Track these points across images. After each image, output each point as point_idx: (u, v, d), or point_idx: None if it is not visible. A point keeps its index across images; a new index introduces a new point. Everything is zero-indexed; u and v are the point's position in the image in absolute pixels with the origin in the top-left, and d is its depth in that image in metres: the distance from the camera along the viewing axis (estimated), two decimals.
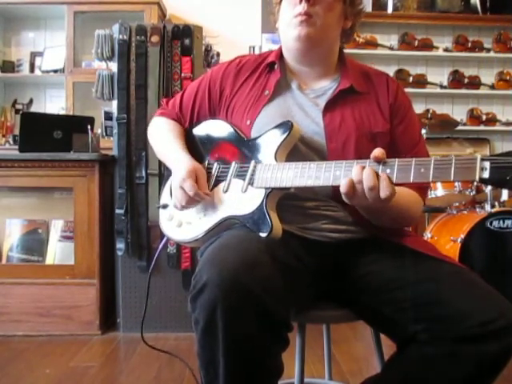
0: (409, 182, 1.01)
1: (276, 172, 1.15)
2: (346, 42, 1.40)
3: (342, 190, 1.05)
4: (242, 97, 1.35)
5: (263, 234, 1.12)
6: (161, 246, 1.44)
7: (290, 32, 1.29)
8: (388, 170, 1.02)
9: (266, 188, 1.16)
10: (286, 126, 1.20)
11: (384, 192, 1.02)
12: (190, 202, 1.24)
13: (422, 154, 1.30)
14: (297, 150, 1.24)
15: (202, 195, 1.22)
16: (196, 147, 1.39)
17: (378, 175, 1.03)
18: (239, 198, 1.21)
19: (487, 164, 0.90)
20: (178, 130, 1.44)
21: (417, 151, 1.29)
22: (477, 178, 0.91)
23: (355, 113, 1.27)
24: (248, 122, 1.30)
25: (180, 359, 1.80)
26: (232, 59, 1.44)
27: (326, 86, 1.33)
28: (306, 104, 1.31)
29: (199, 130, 1.41)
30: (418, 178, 0.98)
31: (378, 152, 1.05)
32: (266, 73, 1.37)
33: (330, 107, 1.28)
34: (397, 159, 1.02)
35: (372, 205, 1.06)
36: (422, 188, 1.28)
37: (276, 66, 1.35)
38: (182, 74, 2.61)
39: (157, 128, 1.48)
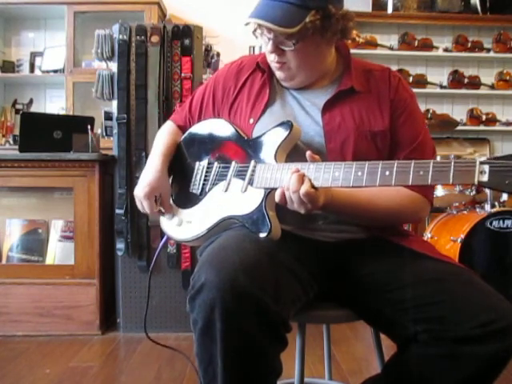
0: (408, 184, 1.00)
1: (275, 172, 1.15)
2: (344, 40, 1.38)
3: (276, 200, 1.11)
4: (244, 96, 1.36)
5: (262, 235, 1.12)
6: (161, 245, 1.46)
7: (274, 70, 1.32)
8: (387, 173, 1.01)
9: (266, 188, 1.16)
10: (286, 125, 1.20)
11: (302, 191, 1.05)
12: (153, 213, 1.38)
13: (424, 148, 1.28)
14: (297, 149, 1.24)
15: (158, 213, 1.38)
16: (196, 146, 1.40)
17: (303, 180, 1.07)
18: (239, 198, 1.21)
19: (486, 167, 0.90)
20: (172, 138, 1.46)
21: (418, 144, 1.26)
22: (476, 181, 0.90)
23: (355, 112, 1.27)
24: (251, 121, 1.30)
25: (183, 355, 1.80)
26: (235, 60, 1.46)
27: (327, 86, 1.33)
28: (306, 104, 1.31)
29: (200, 129, 1.42)
30: (417, 181, 0.98)
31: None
32: (265, 73, 1.37)
33: (329, 107, 1.27)
34: (396, 161, 1.01)
35: (311, 209, 1.08)
36: (423, 185, 1.27)
37: (261, 65, 1.36)
38: (182, 74, 2.61)
39: (159, 133, 1.52)
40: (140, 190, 1.37)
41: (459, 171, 0.93)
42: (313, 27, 1.19)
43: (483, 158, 0.94)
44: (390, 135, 1.27)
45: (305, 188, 1.05)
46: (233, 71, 1.41)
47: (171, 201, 1.40)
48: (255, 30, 1.27)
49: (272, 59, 1.28)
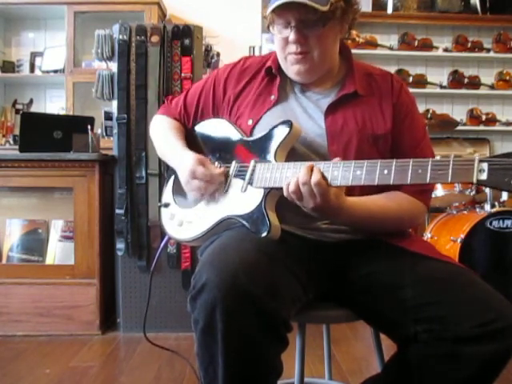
0: (407, 184, 1.00)
1: (275, 172, 1.15)
2: (344, 38, 1.38)
3: (285, 193, 1.09)
4: (246, 98, 1.35)
5: (262, 234, 1.12)
6: (162, 245, 1.45)
7: (288, 67, 1.30)
8: (385, 171, 1.01)
9: (265, 188, 1.16)
10: (286, 125, 1.20)
11: (314, 182, 1.04)
12: (209, 188, 1.24)
13: (426, 153, 1.28)
14: (298, 151, 1.24)
15: (217, 175, 1.23)
16: (197, 146, 1.40)
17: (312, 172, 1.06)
18: (239, 198, 1.21)
19: (485, 166, 0.89)
20: (179, 128, 1.45)
21: (420, 150, 1.28)
22: (474, 179, 0.90)
23: (357, 115, 1.27)
24: (250, 122, 1.30)
25: (182, 357, 1.80)
26: (237, 60, 1.44)
27: (329, 88, 1.32)
28: (309, 106, 1.31)
29: (201, 129, 1.42)
30: (416, 180, 0.98)
31: None
32: (269, 76, 1.36)
33: (332, 110, 1.27)
34: (394, 160, 1.01)
35: (320, 204, 1.06)
36: (423, 192, 1.27)
37: (274, 71, 1.35)
38: (182, 74, 2.61)
39: (159, 126, 1.48)
40: (185, 169, 1.26)
41: (458, 170, 0.92)
42: (339, 7, 1.21)
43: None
44: (392, 139, 1.27)
45: (316, 178, 1.05)
46: (235, 72, 1.40)
47: (173, 202, 1.40)
48: (272, 24, 1.25)
49: (294, 50, 1.25)
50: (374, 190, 1.22)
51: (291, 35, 1.23)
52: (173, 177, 1.42)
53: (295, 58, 1.26)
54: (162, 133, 1.45)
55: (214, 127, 1.38)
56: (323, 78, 1.32)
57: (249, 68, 1.39)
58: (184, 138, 1.42)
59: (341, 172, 1.06)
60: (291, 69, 1.29)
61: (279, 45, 1.28)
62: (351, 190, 1.18)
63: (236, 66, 1.42)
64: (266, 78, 1.36)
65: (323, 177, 1.06)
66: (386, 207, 1.22)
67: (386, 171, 1.01)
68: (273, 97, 1.32)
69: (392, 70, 4.27)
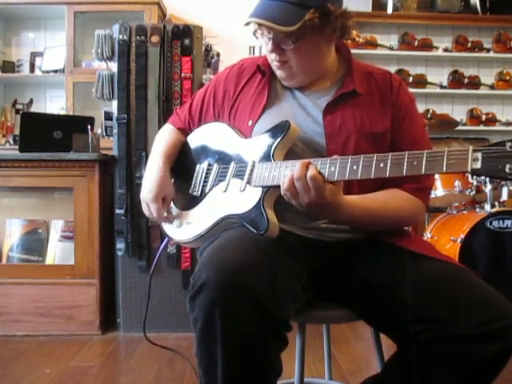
0: (402, 175, 1.00)
1: (273, 171, 1.16)
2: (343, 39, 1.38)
3: (281, 191, 1.10)
4: (245, 99, 1.36)
5: (260, 232, 1.12)
6: (162, 246, 1.46)
7: (274, 70, 1.33)
8: (381, 165, 1.01)
9: (264, 186, 1.17)
10: (284, 125, 1.21)
11: (309, 176, 1.04)
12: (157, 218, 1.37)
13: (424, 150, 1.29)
14: (296, 150, 1.24)
15: (164, 219, 1.37)
16: (197, 149, 1.41)
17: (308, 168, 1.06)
18: (238, 197, 1.21)
19: (479, 155, 0.90)
20: (172, 138, 1.47)
21: (418, 148, 1.28)
22: (469, 168, 0.91)
23: (356, 114, 1.27)
24: (250, 123, 1.31)
25: (182, 356, 1.80)
26: (236, 62, 1.46)
27: (328, 87, 1.33)
28: (308, 105, 1.31)
29: (200, 133, 1.43)
30: (411, 171, 0.98)
31: None
32: (266, 75, 1.37)
33: (330, 108, 1.27)
34: (390, 153, 1.02)
35: (315, 199, 1.06)
36: (422, 191, 1.27)
37: (262, 68, 1.36)
38: (182, 74, 2.61)
39: (159, 135, 1.52)
40: (147, 193, 1.36)
41: (453, 160, 0.93)
42: (312, 25, 1.20)
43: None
44: (391, 138, 1.27)
45: (311, 172, 1.05)
46: (234, 74, 1.41)
47: (172, 204, 1.40)
48: (256, 31, 1.27)
49: (273, 58, 1.29)
50: (372, 188, 1.22)
51: (268, 45, 1.26)
52: (172, 180, 1.42)
53: (276, 65, 1.30)
54: (157, 140, 1.49)
55: (214, 131, 1.39)
56: (321, 77, 1.33)
57: (247, 69, 1.41)
58: (172, 148, 1.44)
59: (338, 168, 1.06)
60: (276, 73, 1.33)
61: (265, 51, 1.31)
62: (350, 190, 1.18)
63: (234, 68, 1.43)
64: (263, 78, 1.36)
65: (319, 172, 1.06)
66: (385, 205, 1.22)
67: (381, 164, 1.01)
68: (266, 93, 1.33)
69: (392, 69, 4.27)
